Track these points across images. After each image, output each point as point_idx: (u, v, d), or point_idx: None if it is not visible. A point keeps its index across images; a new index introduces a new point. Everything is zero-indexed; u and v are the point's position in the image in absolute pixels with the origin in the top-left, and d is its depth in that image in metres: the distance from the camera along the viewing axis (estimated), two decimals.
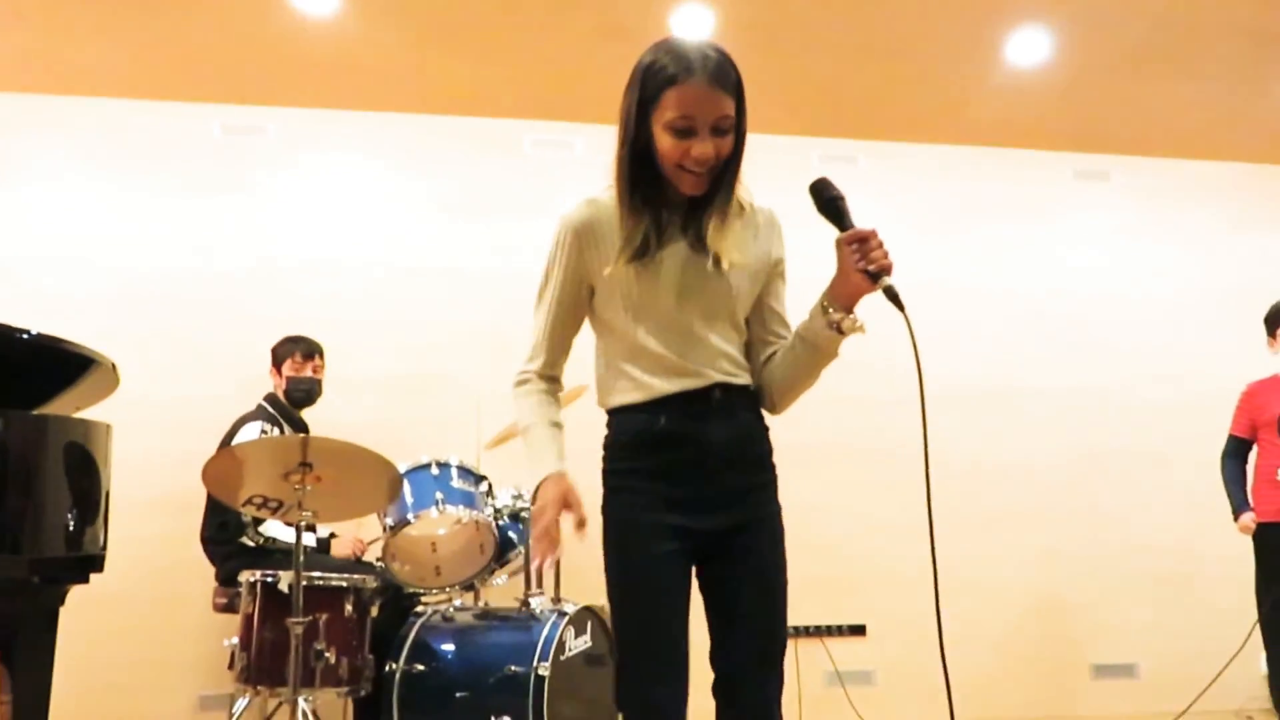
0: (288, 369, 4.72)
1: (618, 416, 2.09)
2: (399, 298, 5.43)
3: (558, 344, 2.14)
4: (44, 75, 5.09)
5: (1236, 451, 4.77)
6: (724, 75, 1.94)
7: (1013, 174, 6.12)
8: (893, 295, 1.92)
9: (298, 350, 4.73)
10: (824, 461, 5.53)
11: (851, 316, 2.01)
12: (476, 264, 5.47)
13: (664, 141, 1.94)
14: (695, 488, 2.01)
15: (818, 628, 5.47)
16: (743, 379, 2.07)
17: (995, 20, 4.95)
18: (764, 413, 2.16)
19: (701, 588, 2.07)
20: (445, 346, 5.38)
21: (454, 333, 5.40)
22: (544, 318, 2.13)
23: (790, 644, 5.48)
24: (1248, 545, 4.66)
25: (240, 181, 5.40)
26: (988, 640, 5.71)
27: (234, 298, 5.27)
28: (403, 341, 5.38)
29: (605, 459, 2.09)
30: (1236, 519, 4.66)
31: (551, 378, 2.16)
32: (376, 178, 5.53)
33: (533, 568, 2.12)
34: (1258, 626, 4.52)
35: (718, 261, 2.01)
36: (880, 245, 1.93)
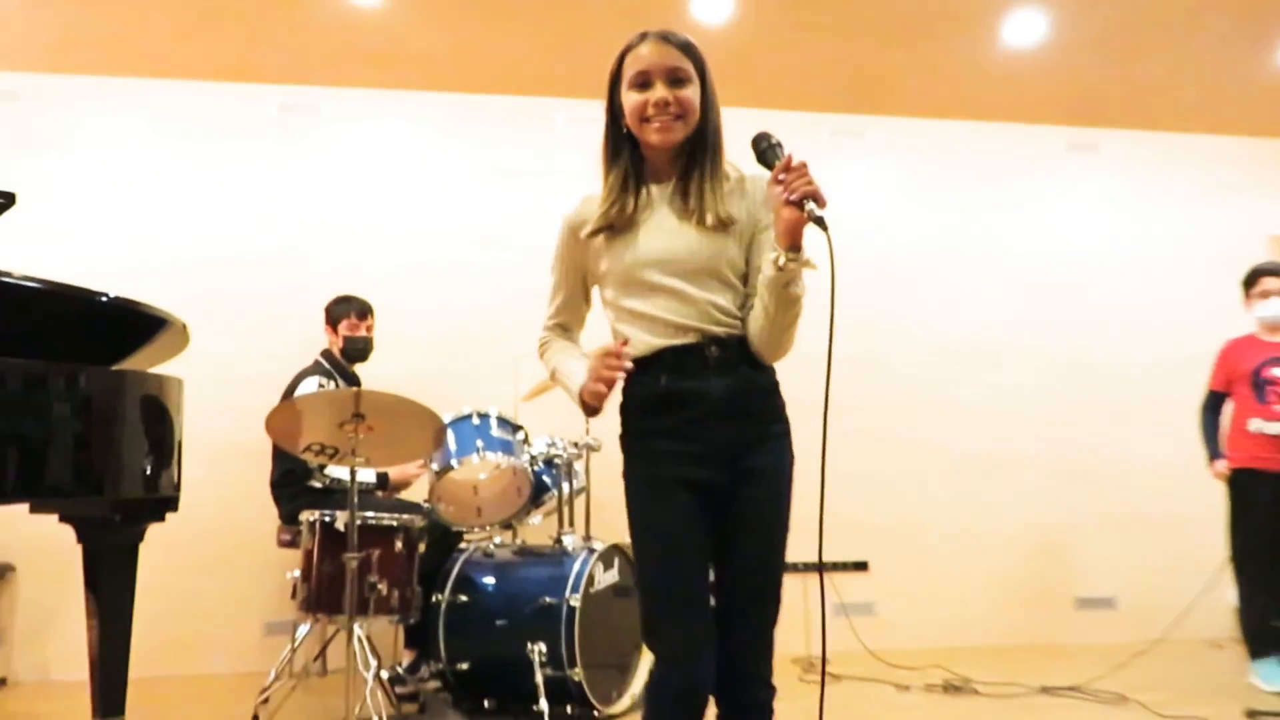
0: (344, 328, 4.74)
1: (624, 382, 2.05)
2: (443, 262, 5.44)
3: (569, 310, 2.20)
4: (120, 58, 5.10)
5: (1213, 404, 4.75)
6: (674, 36, 2.00)
7: (1009, 146, 6.06)
8: (818, 220, 1.84)
9: (352, 310, 4.75)
10: (834, 411, 5.50)
11: (794, 254, 1.90)
12: (513, 231, 5.46)
13: (630, 99, 2.00)
14: (701, 442, 1.98)
15: (823, 563, 5.48)
16: (737, 331, 2.02)
17: (994, 2, 4.89)
18: (773, 366, 2.09)
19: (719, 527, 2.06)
20: (485, 307, 5.40)
21: (493, 294, 5.40)
22: (554, 304, 2.20)
23: (799, 578, 5.54)
24: (1220, 489, 4.64)
25: (296, 156, 5.40)
26: (980, 575, 5.73)
27: (292, 263, 5.30)
28: (446, 303, 5.40)
29: (621, 424, 2.08)
30: (1211, 465, 4.65)
31: (566, 329, 2.20)
32: (421, 152, 5.52)
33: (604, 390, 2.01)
34: (1228, 563, 4.52)
35: (703, 221, 1.99)
36: (802, 175, 1.85)
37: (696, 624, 1.98)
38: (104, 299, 3.20)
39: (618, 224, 2.02)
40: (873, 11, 4.89)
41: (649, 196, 2.05)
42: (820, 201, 1.84)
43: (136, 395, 3.22)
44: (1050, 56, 5.34)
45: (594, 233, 2.05)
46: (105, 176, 5.21)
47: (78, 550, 3.44)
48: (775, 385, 2.09)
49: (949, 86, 5.63)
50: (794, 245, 1.90)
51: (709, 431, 1.98)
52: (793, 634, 5.35)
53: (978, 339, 5.87)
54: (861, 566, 5.60)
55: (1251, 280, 4.70)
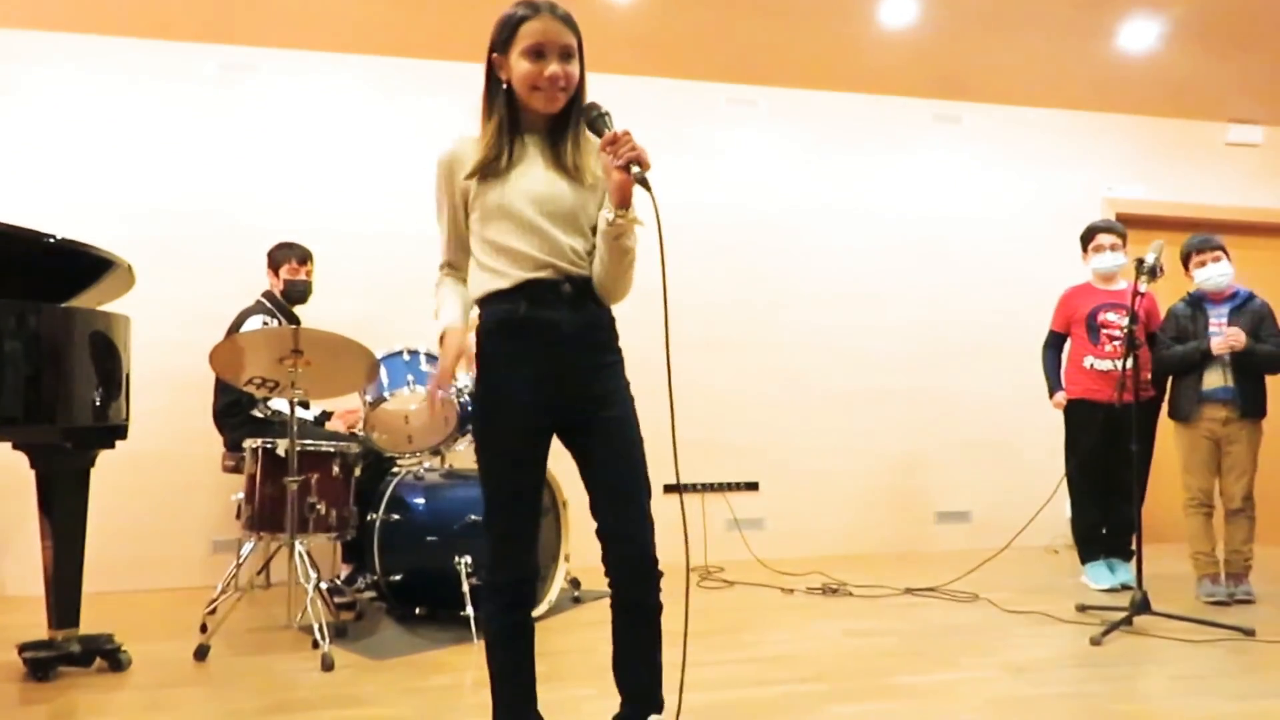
0: (285, 272, 4.58)
1: (485, 306, 2.04)
2: (374, 213, 5.28)
3: (456, 249, 2.13)
4: (64, 14, 4.80)
5: (1054, 343, 4.87)
6: (562, 12, 2.00)
7: (883, 116, 6.09)
8: (642, 181, 1.86)
9: (294, 256, 4.59)
10: (727, 350, 5.55)
11: (623, 212, 1.93)
12: (430, 185, 5.32)
13: (521, 66, 1.99)
14: (550, 367, 2.00)
15: (720, 484, 5.53)
16: (587, 272, 2.03)
17: None
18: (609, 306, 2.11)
19: (572, 455, 2.08)
20: (413, 254, 5.25)
21: (420, 243, 5.25)
22: (442, 237, 2.15)
23: (697, 497, 5.58)
24: (1058, 417, 4.79)
25: (237, 112, 5.17)
26: (855, 493, 5.84)
27: (234, 211, 5.09)
28: (378, 250, 5.25)
29: (476, 344, 2.07)
30: (1051, 397, 4.79)
31: (455, 267, 2.15)
32: (354, 111, 5.32)
33: (432, 399, 2.09)
34: (1064, 481, 4.67)
35: (570, 174, 2.01)
36: (628, 142, 1.88)
37: (521, 525, 2.03)
38: (51, 239, 3.07)
39: (493, 168, 2.02)
40: None
41: (523, 145, 2.05)
42: (644, 165, 1.87)
43: (85, 331, 3.10)
44: (920, 36, 5.36)
45: (470, 174, 2.04)
46: (50, 127, 4.92)
47: (30, 475, 3.30)
48: (611, 320, 2.11)
49: (831, 61, 5.63)
50: (623, 203, 1.93)
51: (557, 356, 2.01)
52: (692, 547, 5.41)
53: (854, 286, 5.93)
54: (753, 486, 5.66)
55: (1088, 236, 4.81)
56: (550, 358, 2.00)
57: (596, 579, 2.08)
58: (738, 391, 5.63)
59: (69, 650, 3.24)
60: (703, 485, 5.45)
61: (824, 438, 5.82)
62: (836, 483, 5.82)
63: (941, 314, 6.04)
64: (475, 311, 2.09)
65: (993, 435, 6.04)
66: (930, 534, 5.96)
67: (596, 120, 1.95)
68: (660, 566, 2.06)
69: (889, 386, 5.94)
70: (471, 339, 2.07)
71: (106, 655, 3.30)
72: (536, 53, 1.97)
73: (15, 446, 3.28)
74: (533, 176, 2.02)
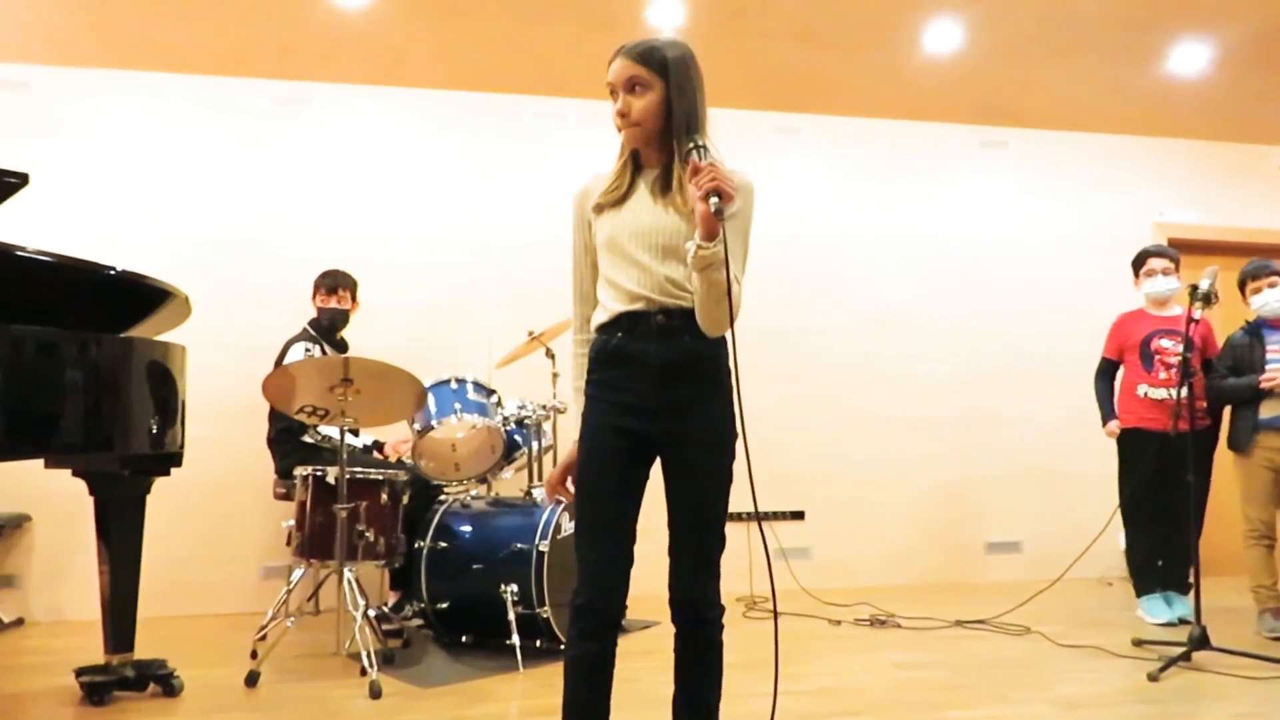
0: (318, 299, 4.64)
1: (595, 336, 2.10)
2: (423, 242, 5.34)
3: (586, 299, 2.16)
4: (124, 52, 4.94)
5: (1106, 371, 4.79)
6: (634, 47, 2.03)
7: (929, 143, 6.06)
8: (718, 212, 1.85)
9: (324, 285, 4.63)
10: (772, 378, 5.54)
11: (706, 243, 1.89)
12: (486, 215, 5.39)
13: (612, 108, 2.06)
14: (640, 398, 2.02)
15: (765, 513, 5.50)
16: (687, 304, 2.02)
17: (915, 13, 4.87)
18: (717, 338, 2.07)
19: (664, 474, 2.09)
20: (462, 284, 5.33)
21: (469, 272, 5.33)
22: (573, 279, 2.18)
23: (743, 526, 5.55)
24: (1111, 445, 4.70)
25: (288, 144, 5.27)
26: (902, 522, 5.77)
27: (286, 242, 5.17)
28: (427, 278, 5.31)
29: (587, 371, 2.11)
30: (1105, 425, 4.70)
31: (590, 339, 2.15)
32: (403, 142, 5.41)
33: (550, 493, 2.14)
34: (1118, 511, 4.58)
35: (674, 207, 2.02)
36: (709, 173, 1.87)
37: (609, 550, 2.03)
38: (112, 272, 3.13)
39: (612, 201, 2.07)
40: (810, 20, 4.86)
41: (638, 180, 2.09)
42: (724, 196, 1.86)
43: (143, 360, 3.16)
44: (965, 63, 5.34)
45: (595, 207, 2.10)
46: (111, 162, 5.05)
47: (89, 501, 3.37)
48: (717, 355, 2.08)
49: (876, 89, 5.62)
50: (709, 235, 1.90)
51: (645, 388, 2.02)
52: (738, 576, 5.38)
53: (899, 314, 5.89)
54: (798, 515, 5.62)
55: (1140, 261, 4.75)
56: (639, 388, 2.02)
57: (641, 608, 2.08)
58: (782, 419, 5.60)
59: (124, 675, 3.29)
60: (747, 514, 5.42)
61: (870, 466, 5.76)
62: (883, 512, 5.76)
63: (989, 341, 5.98)
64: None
65: (1044, 464, 5.95)
66: (980, 565, 5.86)
67: (689, 153, 1.95)
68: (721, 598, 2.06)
69: (936, 414, 5.88)
70: None
71: (160, 680, 3.35)
72: (611, 92, 2.05)
73: (75, 473, 3.36)
74: (639, 210, 2.05)
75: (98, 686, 3.24)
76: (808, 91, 5.64)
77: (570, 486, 2.11)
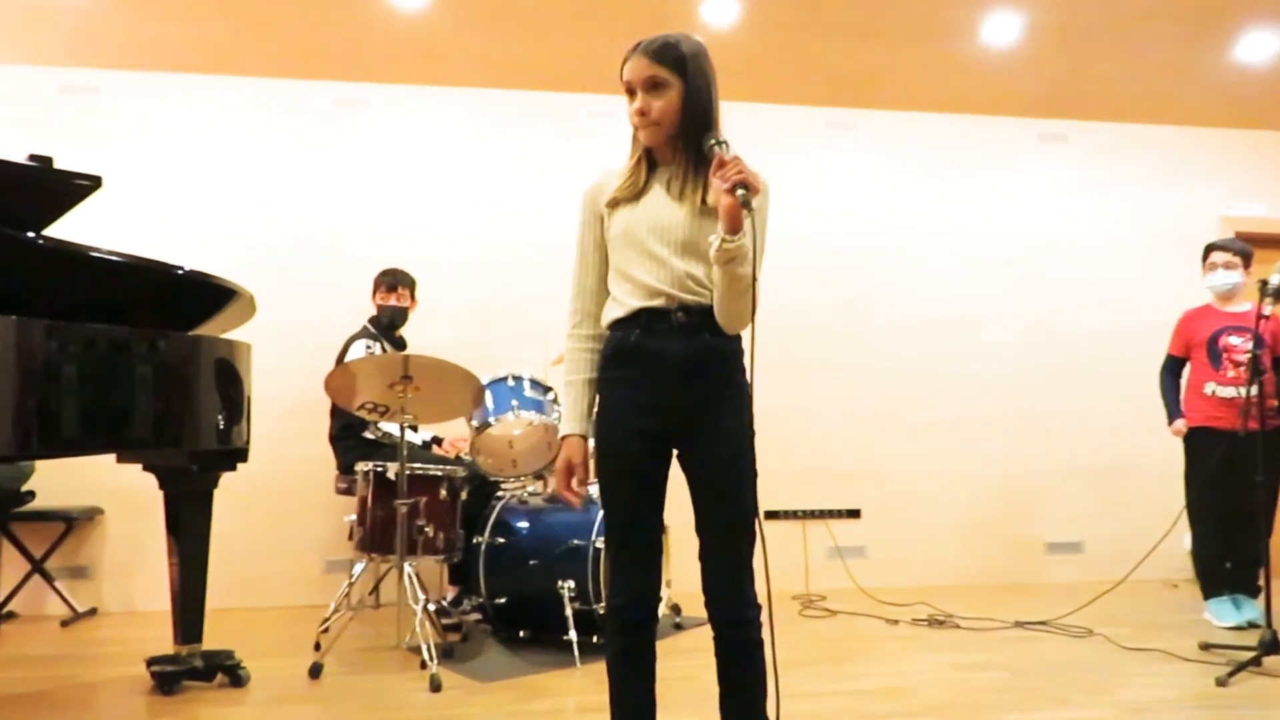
0: (378, 298, 4.70)
1: (608, 333, 2.09)
2: (479, 241, 5.39)
3: (589, 293, 2.14)
4: (190, 56, 5.04)
5: (1172, 368, 4.68)
6: (651, 45, 2.01)
7: (986, 136, 5.96)
8: (746, 204, 1.83)
9: (383, 283, 4.70)
10: (828, 375, 5.49)
11: (731, 237, 1.88)
12: (542, 213, 5.41)
13: (628, 106, 2.05)
14: (658, 395, 2.01)
15: (821, 511, 5.46)
16: (706, 300, 2.01)
17: (972, 4, 4.80)
18: (735, 335, 2.07)
19: (684, 472, 2.07)
20: (518, 281, 5.36)
21: (524, 270, 5.36)
22: (575, 272, 2.16)
23: (798, 524, 5.50)
24: (1177, 445, 4.59)
25: (348, 145, 5.34)
26: (960, 521, 5.70)
27: (345, 240, 5.24)
28: (483, 277, 5.35)
29: (600, 368, 2.10)
30: (1171, 424, 4.59)
31: (589, 334, 2.14)
32: (460, 141, 5.46)
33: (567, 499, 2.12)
34: (1184, 512, 4.48)
35: (693, 202, 2.00)
36: (735, 166, 1.85)
37: (637, 549, 2.04)
38: (180, 271, 3.19)
39: (628, 196, 2.06)
40: (864, 14, 4.81)
41: (653, 176, 2.08)
42: (751, 189, 1.84)
43: (210, 358, 3.22)
44: (1023, 55, 5.24)
45: (609, 202, 2.09)
46: (177, 164, 5.16)
47: (159, 495, 3.45)
48: (734, 352, 2.07)
49: (932, 82, 5.54)
50: (732, 229, 1.89)
51: (665, 386, 2.00)
52: (793, 574, 5.35)
53: (956, 311, 5.81)
54: (854, 514, 5.57)
55: (1206, 255, 4.63)
56: (659, 386, 2.01)
57: (698, 605, 2.07)
58: (838, 417, 5.55)
59: (193, 665, 3.37)
60: (803, 512, 5.39)
61: (928, 464, 5.69)
62: (941, 511, 5.69)
63: (1050, 337, 5.87)
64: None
65: (1106, 462, 5.83)
66: (1040, 565, 5.76)
67: (712, 146, 1.95)
68: (759, 596, 2.03)
69: (996, 412, 5.78)
70: (591, 448, 2.08)
71: (227, 671, 3.42)
72: (629, 91, 2.03)
73: (146, 468, 3.44)
74: (656, 205, 2.04)
75: (168, 676, 3.32)
76: (862, 86, 5.58)
77: (577, 486, 2.06)
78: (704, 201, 2.00)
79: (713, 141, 1.96)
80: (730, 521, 2.02)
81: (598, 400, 2.09)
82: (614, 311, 2.06)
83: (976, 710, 3.13)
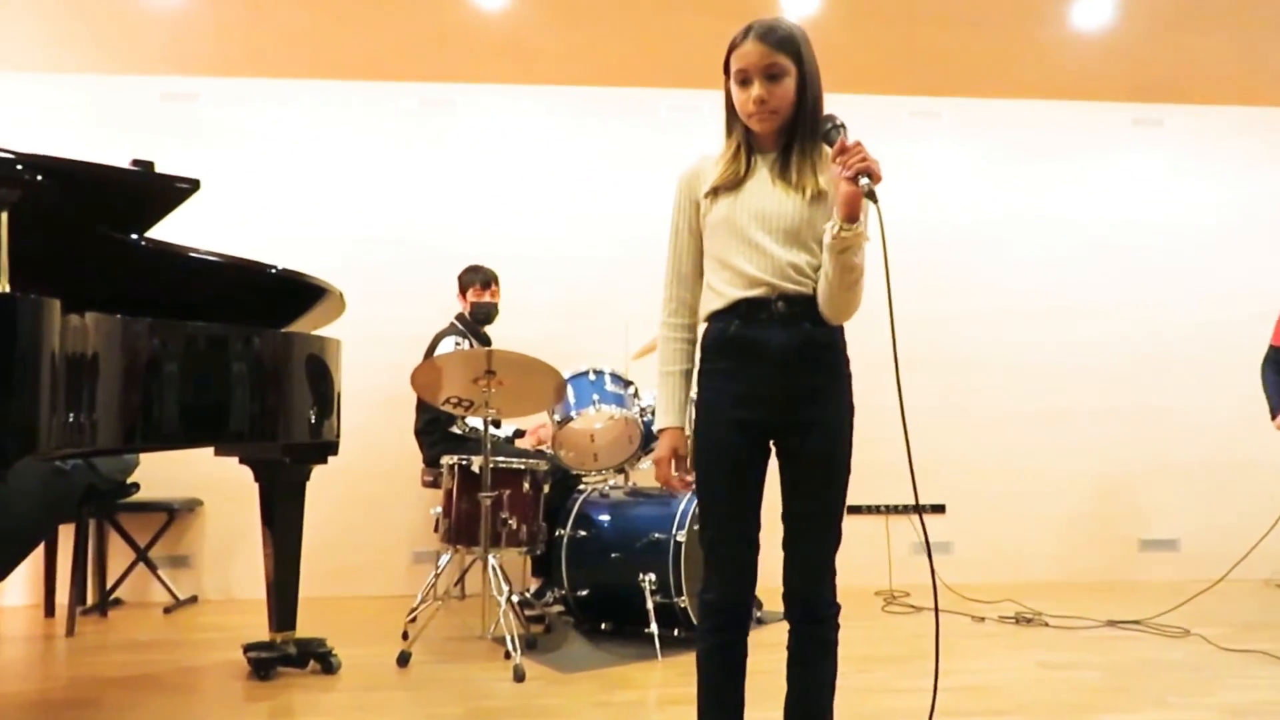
0: (471, 294, 4.77)
1: (706, 324, 2.05)
2: (562, 237, 5.43)
3: (684, 280, 2.10)
4: (283, 61, 5.18)
5: (1274, 359, 4.48)
6: (771, 33, 1.95)
7: (1077, 122, 5.78)
8: (870, 194, 1.79)
9: (478, 279, 4.77)
10: (913, 367, 5.37)
11: (849, 225, 1.85)
12: (624, 208, 5.43)
13: (735, 94, 2.00)
14: (758, 387, 1.96)
15: (904, 506, 5.37)
16: (808, 290, 1.96)
17: None
18: (838, 326, 2.02)
19: (778, 461, 2.04)
20: (599, 276, 5.38)
21: (606, 265, 5.39)
22: (669, 260, 2.13)
23: (880, 519, 5.43)
24: (1278, 439, 4.40)
25: (435, 145, 5.43)
26: (1049, 517, 5.55)
27: (431, 239, 5.33)
28: (565, 273, 5.39)
29: (699, 360, 2.07)
30: (1274, 418, 4.40)
31: (685, 323, 2.11)
32: (542, 138, 5.50)
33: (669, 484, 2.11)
34: None
35: (797, 190, 1.95)
36: (858, 153, 1.81)
37: (733, 545, 2.00)
38: (273, 270, 3.28)
39: (728, 184, 2.01)
40: (949, 0, 4.71)
41: (756, 164, 2.03)
42: (874, 177, 1.80)
43: (302, 354, 3.29)
44: (1115, 38, 5.07)
45: (708, 192, 2.04)
46: (269, 165, 5.30)
47: (255, 487, 3.56)
48: (836, 342, 2.03)
49: (1020, 68, 5.39)
50: (850, 217, 1.85)
51: (765, 377, 1.96)
52: (876, 570, 5.28)
53: (1048, 301, 5.65)
54: (939, 509, 5.47)
55: None
56: (759, 378, 1.96)
57: (777, 601, 2.06)
58: (923, 409, 5.44)
59: (287, 652, 3.47)
60: (886, 507, 5.31)
61: (1014, 458, 5.56)
62: (1029, 506, 5.55)
63: (1141, 328, 5.67)
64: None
65: (1203, 458, 5.61)
66: (1133, 563, 5.58)
67: (830, 131, 1.91)
68: (839, 592, 2.01)
69: (1089, 404, 5.61)
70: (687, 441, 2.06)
71: (319, 658, 3.51)
72: (742, 79, 1.97)
73: (242, 461, 3.55)
74: (759, 193, 1.99)
75: (263, 662, 3.42)
76: (948, 73, 5.46)
77: (676, 472, 2.05)
78: (809, 189, 1.95)
79: (831, 125, 1.91)
80: (818, 517, 1.99)
81: (695, 392, 2.06)
82: (712, 302, 2.02)
83: (1067, 710, 3.04)
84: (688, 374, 2.10)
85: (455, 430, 4.54)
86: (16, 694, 3.41)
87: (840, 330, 2.03)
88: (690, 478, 2.06)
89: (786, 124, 1.99)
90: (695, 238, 2.09)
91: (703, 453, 2.01)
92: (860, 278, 1.92)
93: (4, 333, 2.06)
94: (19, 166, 2.49)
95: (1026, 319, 5.63)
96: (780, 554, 2.02)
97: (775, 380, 1.96)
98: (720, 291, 2.00)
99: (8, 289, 2.32)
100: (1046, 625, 4.31)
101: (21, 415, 2.08)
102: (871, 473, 5.26)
